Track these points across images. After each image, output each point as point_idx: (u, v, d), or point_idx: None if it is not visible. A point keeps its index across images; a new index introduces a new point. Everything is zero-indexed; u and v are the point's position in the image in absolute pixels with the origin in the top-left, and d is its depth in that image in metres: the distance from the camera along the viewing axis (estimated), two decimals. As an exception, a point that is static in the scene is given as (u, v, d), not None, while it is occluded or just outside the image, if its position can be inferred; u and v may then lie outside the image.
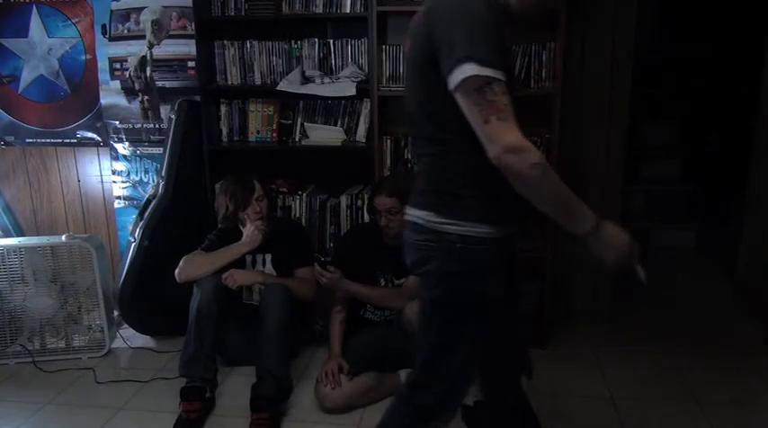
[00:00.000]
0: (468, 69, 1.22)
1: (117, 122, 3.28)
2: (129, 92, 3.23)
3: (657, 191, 4.59)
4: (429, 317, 1.49)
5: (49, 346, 2.88)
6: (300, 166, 3.07)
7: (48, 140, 3.39)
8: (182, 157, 2.98)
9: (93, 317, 2.89)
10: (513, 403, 1.78)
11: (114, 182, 3.36)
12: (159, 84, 3.20)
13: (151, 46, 3.16)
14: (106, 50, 3.20)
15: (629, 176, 3.30)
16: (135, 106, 3.25)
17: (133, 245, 2.95)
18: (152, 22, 3.12)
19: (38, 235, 3.41)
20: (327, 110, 2.96)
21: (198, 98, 2.97)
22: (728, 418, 2.31)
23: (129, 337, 3.04)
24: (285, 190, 3.02)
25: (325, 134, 2.91)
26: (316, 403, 2.43)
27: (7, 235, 3.40)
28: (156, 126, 3.25)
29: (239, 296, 2.70)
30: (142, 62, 3.18)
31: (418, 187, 1.50)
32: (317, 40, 2.89)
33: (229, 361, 2.73)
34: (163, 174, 2.99)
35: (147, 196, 3.09)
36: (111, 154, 3.33)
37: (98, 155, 3.37)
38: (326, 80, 2.83)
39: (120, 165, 3.33)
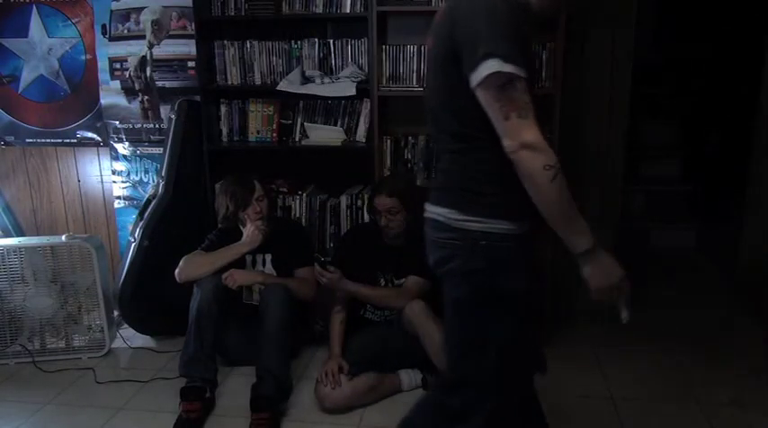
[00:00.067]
0: (492, 66, 1.23)
1: (117, 122, 3.28)
2: (129, 92, 3.23)
3: (657, 191, 4.59)
4: (455, 317, 1.48)
5: (49, 346, 2.88)
6: (300, 166, 3.07)
7: (48, 140, 3.39)
8: (182, 157, 2.98)
9: (93, 317, 2.89)
10: (526, 401, 1.78)
11: (114, 182, 3.36)
12: (159, 84, 3.20)
13: (151, 46, 3.16)
14: (106, 50, 3.20)
15: (629, 176, 3.30)
16: (135, 106, 3.25)
17: (133, 245, 2.95)
18: (152, 22, 3.12)
19: (38, 235, 3.41)
20: (327, 110, 2.96)
21: (198, 98, 2.97)
22: (728, 418, 2.32)
23: (129, 337, 3.04)
24: (285, 190, 3.02)
25: (325, 134, 2.91)
26: (316, 403, 2.43)
27: (7, 235, 3.40)
28: (156, 126, 3.25)
29: (239, 296, 2.70)
30: (142, 62, 3.18)
31: (439, 184, 1.51)
32: (317, 40, 2.89)
33: (229, 361, 2.73)
34: (163, 174, 2.99)
35: (147, 196, 3.09)
36: (111, 154, 3.33)
37: (98, 155, 3.37)
38: (326, 80, 2.83)
39: (120, 165, 3.33)
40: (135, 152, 3.31)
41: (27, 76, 3.32)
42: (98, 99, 3.27)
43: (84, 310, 2.90)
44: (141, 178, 3.33)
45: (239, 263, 2.62)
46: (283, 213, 3.00)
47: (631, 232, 3.97)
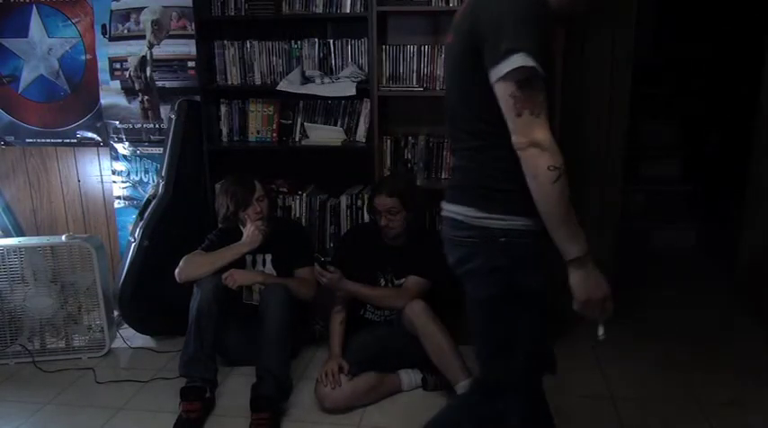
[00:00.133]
0: (514, 61, 1.24)
1: (117, 122, 3.28)
2: (129, 92, 3.23)
3: (657, 191, 4.60)
4: (479, 318, 1.48)
5: (49, 346, 2.88)
6: (300, 166, 3.07)
7: (48, 140, 3.39)
8: (182, 157, 2.98)
9: (93, 317, 2.89)
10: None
11: (114, 182, 3.36)
12: (159, 84, 3.20)
13: (151, 46, 3.16)
14: (106, 50, 3.20)
15: (629, 176, 3.30)
16: (135, 106, 3.25)
17: (133, 245, 2.95)
18: (152, 22, 3.12)
19: (38, 235, 3.41)
20: (327, 110, 2.96)
21: (198, 98, 2.97)
22: (728, 418, 2.31)
23: (129, 337, 3.04)
24: (285, 190, 3.02)
25: (325, 134, 2.91)
26: (316, 403, 2.43)
27: (7, 235, 3.40)
28: (156, 126, 3.25)
29: (239, 296, 2.70)
30: (142, 62, 3.18)
31: (456, 182, 1.50)
32: (317, 40, 2.89)
33: (229, 361, 2.73)
34: (163, 174, 2.99)
35: (147, 196, 3.09)
36: (111, 154, 3.33)
37: (98, 155, 3.37)
38: (326, 80, 2.83)
39: (120, 165, 3.33)
40: (135, 152, 3.31)
41: (27, 76, 3.32)
42: (98, 99, 3.27)
43: (84, 310, 2.90)
44: (141, 178, 3.33)
45: (239, 263, 2.62)
46: (283, 213, 3.00)
47: (631, 232, 3.97)
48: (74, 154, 3.39)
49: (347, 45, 2.88)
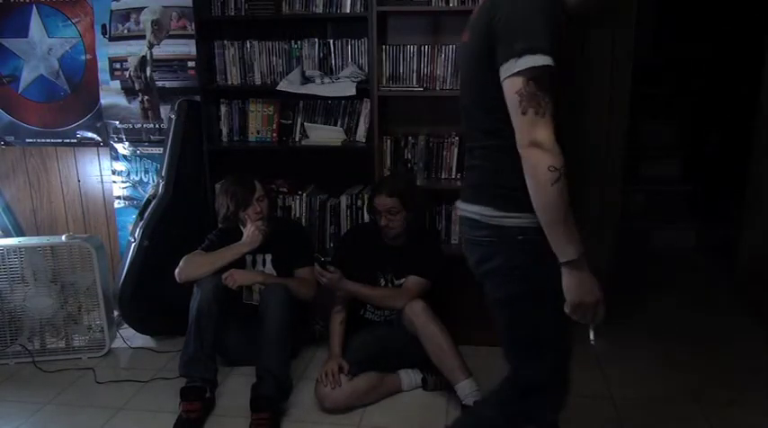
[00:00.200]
0: (525, 62, 1.25)
1: (117, 122, 3.28)
2: (129, 92, 3.23)
3: (657, 191, 4.60)
4: (503, 317, 1.48)
5: (49, 346, 2.88)
6: (300, 166, 3.07)
7: (48, 140, 3.39)
8: (182, 157, 2.98)
9: (93, 317, 2.89)
10: None
11: (114, 182, 3.36)
12: (159, 84, 3.20)
13: (151, 46, 3.16)
14: (106, 50, 3.20)
15: (629, 176, 3.30)
16: (135, 106, 3.25)
17: (133, 245, 2.95)
18: (152, 22, 3.12)
19: (38, 235, 3.41)
20: (327, 110, 2.96)
21: (198, 98, 2.97)
22: (728, 418, 2.31)
23: (129, 337, 3.04)
24: (285, 190, 3.02)
25: (325, 134, 2.91)
26: (316, 403, 2.43)
27: (7, 235, 3.40)
28: (156, 126, 3.25)
29: (239, 296, 2.69)
30: (142, 62, 3.18)
31: (471, 181, 1.51)
32: (317, 40, 2.89)
33: (229, 361, 2.73)
34: (163, 174, 2.99)
35: (147, 196, 3.09)
36: (111, 154, 3.33)
37: (98, 155, 3.37)
38: (326, 80, 2.83)
39: (120, 165, 3.33)
40: (135, 152, 3.31)
41: (27, 76, 3.32)
42: (98, 99, 3.27)
43: (84, 310, 2.90)
44: (141, 178, 3.33)
45: (239, 263, 2.61)
46: (283, 213, 3.00)
47: (631, 232, 3.97)
48: (74, 154, 3.39)
49: (347, 45, 2.88)
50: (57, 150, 3.40)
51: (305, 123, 2.96)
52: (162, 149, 3.08)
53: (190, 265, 2.56)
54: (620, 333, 3.05)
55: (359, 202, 2.93)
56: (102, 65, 3.22)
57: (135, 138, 3.29)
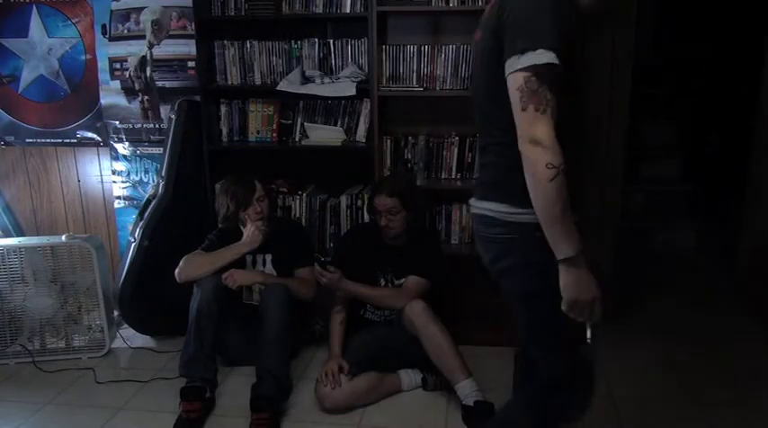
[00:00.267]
0: (525, 58, 1.26)
1: (117, 122, 3.28)
2: (129, 92, 3.23)
3: (657, 191, 4.59)
4: (525, 314, 1.47)
5: (49, 346, 2.88)
6: (300, 166, 3.07)
7: (48, 140, 3.39)
8: (182, 157, 2.98)
9: (93, 317, 2.89)
10: None
11: (114, 182, 3.36)
12: (159, 84, 3.20)
13: (151, 46, 3.16)
14: (106, 50, 3.20)
15: (629, 176, 3.30)
16: (135, 106, 3.25)
17: (133, 245, 2.95)
18: (152, 22, 3.12)
19: (38, 235, 3.41)
20: (327, 110, 2.96)
21: (198, 98, 2.97)
22: (728, 418, 2.32)
23: (129, 337, 3.04)
24: (285, 190, 3.02)
25: (325, 134, 2.91)
26: (316, 403, 2.43)
27: (7, 235, 3.40)
28: (156, 126, 3.25)
29: (239, 296, 2.70)
30: (142, 62, 3.18)
31: (485, 178, 1.51)
32: (317, 40, 2.89)
33: (229, 361, 2.73)
34: (163, 174, 2.99)
35: (147, 196, 3.09)
36: (111, 154, 3.33)
37: (98, 155, 3.37)
38: (326, 80, 2.83)
39: (120, 165, 3.33)
40: (135, 152, 3.31)
41: (27, 76, 3.32)
42: (98, 99, 3.27)
43: (84, 310, 2.90)
44: (141, 178, 3.33)
45: (239, 263, 2.62)
46: (283, 213, 3.00)
47: (631, 232, 3.97)
48: (74, 154, 3.39)
49: (347, 45, 2.88)
50: (57, 150, 3.40)
51: (305, 123, 2.96)
52: (162, 149, 3.08)
53: (190, 265, 2.56)
54: (620, 333, 3.05)
55: (359, 202, 2.93)
56: (102, 65, 3.22)
57: (135, 138, 3.29)
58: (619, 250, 3.07)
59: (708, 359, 2.78)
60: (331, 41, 2.89)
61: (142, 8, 3.11)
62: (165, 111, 3.20)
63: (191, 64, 3.12)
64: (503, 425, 1.68)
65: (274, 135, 3.00)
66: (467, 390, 2.30)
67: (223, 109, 3.02)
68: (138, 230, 2.94)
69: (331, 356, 2.51)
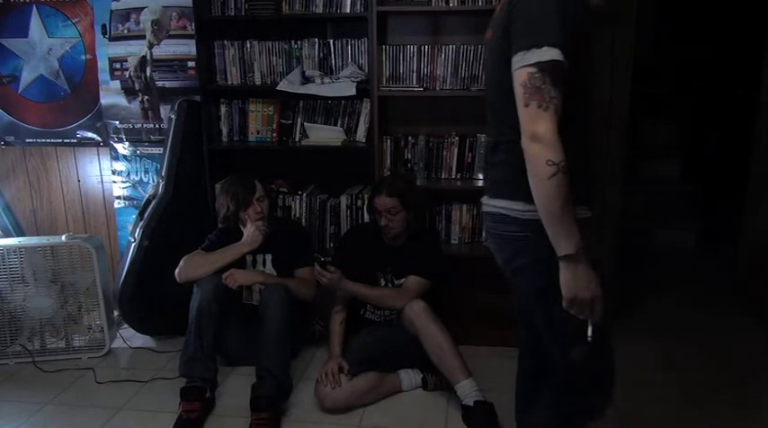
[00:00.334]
0: (529, 56, 1.27)
1: (117, 122, 3.28)
2: (129, 92, 3.23)
3: (657, 191, 4.60)
4: (541, 311, 1.46)
5: (49, 346, 2.88)
6: (300, 166, 3.07)
7: (48, 140, 3.39)
8: (182, 157, 2.98)
9: (93, 317, 2.89)
10: None
11: (114, 182, 3.36)
12: (159, 84, 3.20)
13: (151, 46, 3.16)
14: (106, 50, 3.20)
15: (629, 176, 3.30)
16: (135, 106, 3.25)
17: (133, 245, 2.95)
18: (152, 22, 3.12)
19: (38, 235, 3.41)
20: (327, 110, 2.96)
21: (198, 98, 2.97)
22: (728, 418, 2.32)
23: (129, 337, 3.04)
24: (285, 190, 3.02)
25: (325, 134, 2.91)
26: (316, 403, 2.43)
27: (7, 235, 3.40)
28: (156, 126, 3.25)
29: (239, 296, 2.69)
30: (142, 62, 3.18)
31: (497, 176, 1.51)
32: (317, 40, 2.89)
33: (229, 361, 2.73)
34: (163, 174, 2.99)
35: (147, 196, 3.09)
36: (111, 154, 3.33)
37: (98, 155, 3.37)
38: (326, 80, 2.83)
39: (120, 165, 3.33)
40: (135, 152, 3.31)
41: (27, 76, 3.32)
42: (98, 99, 3.27)
43: (84, 310, 2.90)
44: (141, 178, 3.33)
45: (239, 263, 2.62)
46: (283, 213, 3.00)
47: (631, 232, 3.97)
48: (74, 154, 3.39)
49: (347, 45, 2.88)
50: (57, 150, 3.40)
51: (305, 123, 2.96)
52: (162, 149, 3.08)
53: (190, 265, 2.56)
54: (620, 333, 3.05)
55: (359, 202, 2.93)
56: (102, 65, 3.22)
57: (135, 138, 3.29)
58: (619, 250, 3.07)
59: (708, 359, 2.78)
60: (331, 41, 2.89)
61: (142, 8, 3.11)
62: (165, 111, 3.20)
63: (191, 64, 3.12)
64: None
65: (274, 135, 3.00)
66: (467, 390, 2.30)
67: (223, 109, 3.02)
68: (138, 230, 2.94)
69: (331, 356, 2.51)
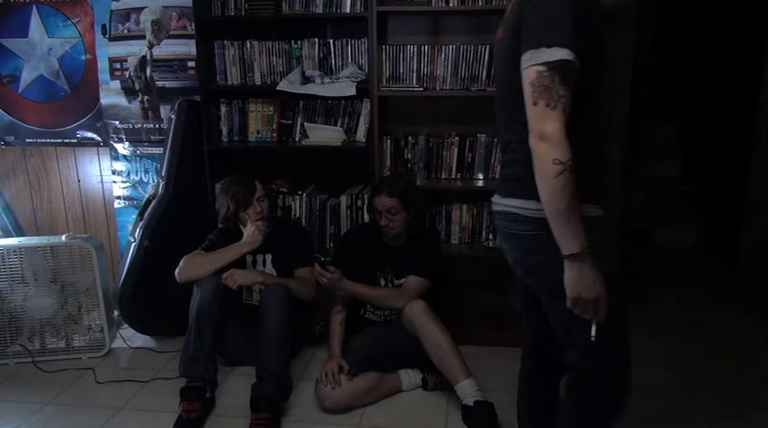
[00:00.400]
0: (538, 55, 1.28)
1: (117, 122, 3.28)
2: (129, 92, 3.23)
3: (657, 191, 4.59)
4: (556, 309, 1.45)
5: (49, 346, 2.88)
6: (300, 166, 3.07)
7: (48, 140, 3.39)
8: (182, 157, 2.98)
9: (93, 317, 2.89)
10: (549, 394, 1.80)
11: (114, 182, 3.36)
12: (159, 84, 3.20)
13: (151, 46, 3.16)
14: (106, 50, 3.20)
15: (629, 176, 3.30)
16: (135, 106, 3.25)
17: (133, 245, 2.95)
18: (152, 22, 3.12)
19: (38, 235, 3.41)
20: (327, 110, 2.96)
21: (198, 98, 2.97)
22: (728, 418, 2.32)
23: (129, 337, 3.04)
24: (285, 190, 3.02)
25: (325, 134, 2.91)
26: (316, 403, 2.43)
27: (7, 235, 3.40)
28: (156, 126, 3.25)
29: (239, 296, 2.69)
30: (142, 62, 3.18)
31: (509, 175, 1.50)
32: (317, 40, 2.89)
33: (229, 361, 2.73)
34: (163, 174, 2.99)
35: (147, 196, 3.09)
36: (111, 154, 3.33)
37: (98, 155, 3.37)
38: (326, 80, 2.83)
39: (120, 165, 3.33)
40: (135, 152, 3.31)
41: (27, 76, 3.32)
42: (98, 99, 3.27)
43: (84, 310, 2.90)
44: (141, 178, 3.33)
45: (239, 263, 2.62)
46: (283, 213, 3.00)
47: (631, 232, 3.97)
48: (74, 154, 3.39)
49: (347, 45, 2.88)
50: (57, 150, 3.40)
51: (305, 123, 2.96)
52: (162, 149, 3.08)
53: (190, 265, 2.56)
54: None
55: (359, 202, 2.93)
56: (102, 65, 3.22)
57: (135, 138, 3.29)
58: (619, 250, 3.07)
59: (708, 359, 2.78)
60: (331, 41, 2.89)
61: (142, 8, 3.12)
62: (165, 111, 3.20)
63: (191, 64, 3.12)
64: None
65: (274, 135, 3.00)
66: (467, 390, 2.30)
67: (223, 109, 3.02)
68: (138, 230, 2.94)
69: (331, 356, 2.51)
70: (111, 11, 3.14)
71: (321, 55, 2.91)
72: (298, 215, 3.00)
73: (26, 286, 2.79)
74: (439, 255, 2.65)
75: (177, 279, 2.55)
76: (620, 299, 1.44)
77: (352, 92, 2.77)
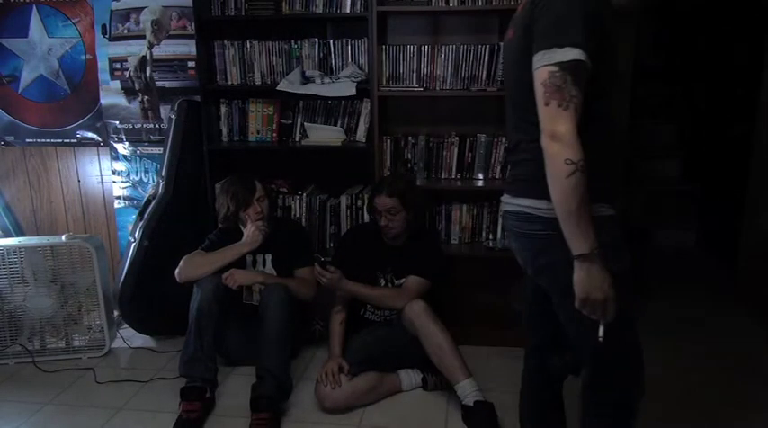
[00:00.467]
0: (550, 55, 1.28)
1: (117, 122, 3.28)
2: (129, 92, 3.23)
3: (657, 191, 4.60)
4: (567, 309, 1.44)
5: (49, 346, 2.88)
6: (300, 166, 3.07)
7: (48, 140, 3.39)
8: (182, 157, 2.98)
9: (93, 317, 2.89)
10: (552, 395, 1.80)
11: (114, 182, 3.36)
12: (159, 84, 3.20)
13: (151, 46, 3.16)
14: (106, 50, 3.20)
15: (629, 176, 3.30)
16: (135, 106, 3.25)
17: (133, 245, 2.95)
18: (152, 22, 3.12)
19: (38, 235, 3.41)
20: (327, 110, 2.97)
21: (198, 98, 2.97)
22: (728, 418, 2.31)
23: (129, 337, 3.04)
24: (285, 190, 3.02)
25: (325, 134, 2.91)
26: (316, 403, 2.43)
27: (7, 235, 3.40)
28: (156, 126, 3.25)
29: (239, 296, 2.69)
30: (142, 62, 3.18)
31: (520, 175, 1.50)
32: (317, 40, 2.89)
33: (229, 361, 2.73)
34: (163, 174, 2.99)
35: (147, 196, 3.09)
36: (111, 154, 3.33)
37: (98, 155, 3.37)
38: (326, 80, 2.83)
39: (120, 165, 3.33)
40: (135, 152, 3.31)
41: (27, 76, 3.32)
42: (98, 99, 3.27)
43: (84, 310, 2.90)
44: (141, 178, 3.33)
45: (239, 263, 2.62)
46: (283, 213, 3.00)
47: (631, 232, 3.97)
48: (74, 154, 3.39)
49: (347, 45, 2.88)
50: (57, 150, 3.40)
51: (305, 123, 2.96)
52: (162, 149, 3.08)
53: (190, 265, 2.56)
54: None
55: (359, 202, 2.93)
56: (102, 65, 3.22)
57: (135, 138, 3.29)
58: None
59: (708, 359, 2.78)
60: (331, 41, 2.89)
61: (142, 8, 3.12)
62: (165, 111, 3.20)
63: (191, 64, 3.12)
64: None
65: (274, 135, 3.00)
66: (467, 390, 2.30)
67: (223, 109, 3.02)
68: (138, 230, 2.94)
69: (331, 356, 2.51)
70: (111, 11, 3.15)
71: (321, 55, 2.91)
72: (298, 215, 3.00)
73: (26, 286, 2.79)
74: (439, 255, 2.65)
75: (177, 279, 2.55)
76: (629, 300, 1.44)
77: (352, 92, 2.77)
